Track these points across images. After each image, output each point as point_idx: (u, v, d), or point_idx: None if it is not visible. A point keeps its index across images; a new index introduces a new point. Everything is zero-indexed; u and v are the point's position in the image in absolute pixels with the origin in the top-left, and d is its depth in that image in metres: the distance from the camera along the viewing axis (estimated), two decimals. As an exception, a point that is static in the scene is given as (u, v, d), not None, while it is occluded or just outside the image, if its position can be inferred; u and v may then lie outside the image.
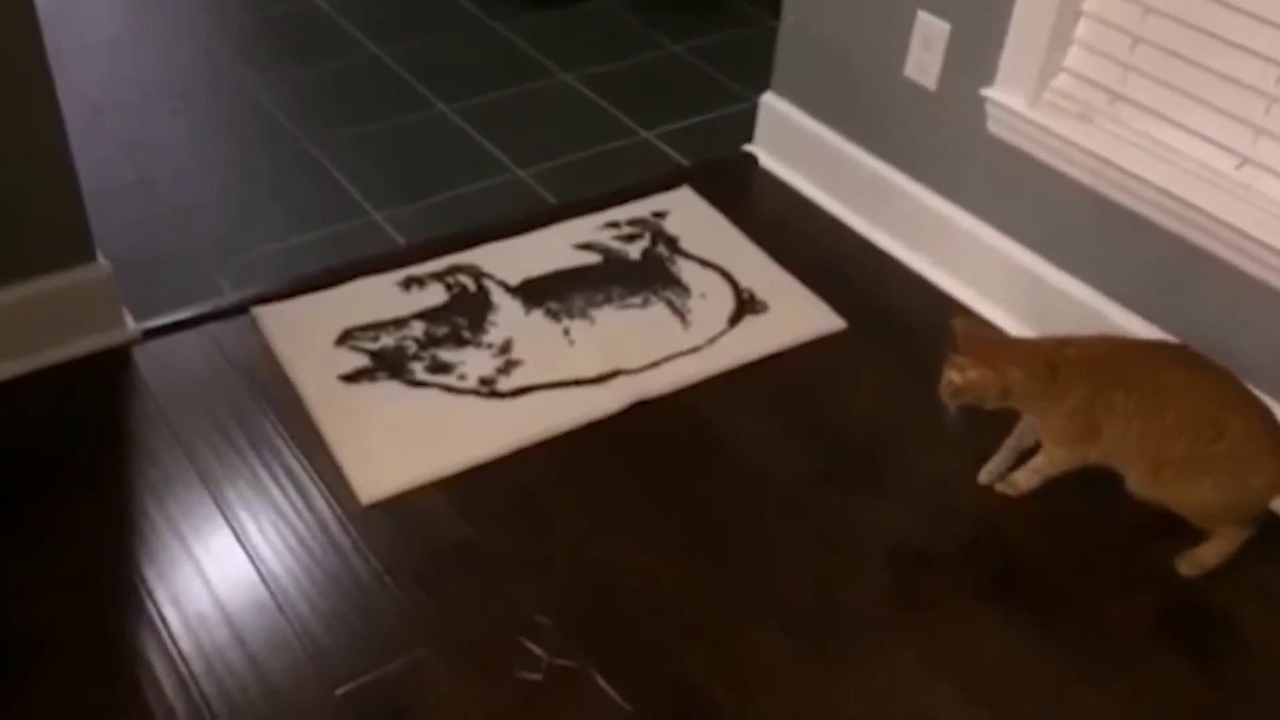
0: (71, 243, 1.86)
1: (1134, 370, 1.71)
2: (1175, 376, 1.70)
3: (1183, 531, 1.75)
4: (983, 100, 2.02)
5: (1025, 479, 1.81)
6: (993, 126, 2.03)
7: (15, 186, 1.76)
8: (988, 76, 2.01)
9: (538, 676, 1.52)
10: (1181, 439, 1.65)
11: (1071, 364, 1.70)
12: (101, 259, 1.91)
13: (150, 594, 1.58)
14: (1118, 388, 1.68)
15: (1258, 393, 1.75)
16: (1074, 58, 1.92)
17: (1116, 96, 1.88)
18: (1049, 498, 1.81)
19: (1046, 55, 1.91)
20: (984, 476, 1.84)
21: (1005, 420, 1.81)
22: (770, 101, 2.47)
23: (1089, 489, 1.82)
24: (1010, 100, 1.97)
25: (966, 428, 1.91)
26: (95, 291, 1.90)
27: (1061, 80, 1.94)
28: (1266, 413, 1.69)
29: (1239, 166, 1.77)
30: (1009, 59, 1.96)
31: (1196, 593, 1.69)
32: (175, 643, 1.52)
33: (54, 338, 1.88)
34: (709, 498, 1.79)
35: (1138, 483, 1.71)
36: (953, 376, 1.71)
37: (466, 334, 2.02)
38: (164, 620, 1.55)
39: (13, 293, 1.83)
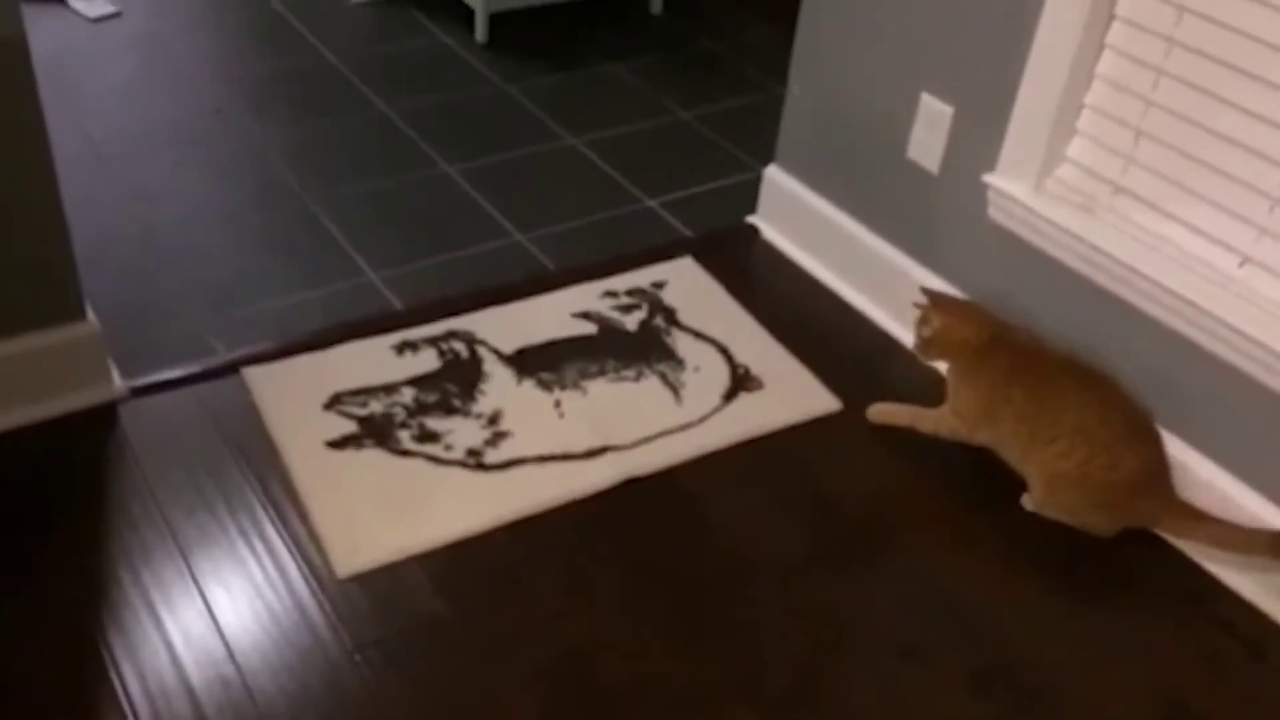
0: (60, 300, 1.85)
1: (1044, 378, 1.85)
2: (1083, 398, 1.82)
3: (1184, 636, 1.72)
4: (984, 186, 2.01)
5: (899, 413, 1.99)
6: (994, 213, 2.02)
7: (4, 243, 1.76)
8: (990, 163, 1.99)
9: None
10: (1072, 458, 1.79)
11: (1002, 345, 1.88)
12: (91, 316, 1.90)
13: (115, 662, 1.55)
14: (1020, 387, 1.84)
15: (1240, 484, 1.78)
16: (1077, 148, 1.91)
17: (1119, 189, 1.87)
18: (1045, 590, 1.78)
19: (1049, 145, 1.90)
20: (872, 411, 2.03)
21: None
22: (774, 174, 2.46)
23: (1089, 586, 1.79)
24: (1012, 188, 1.96)
25: (966, 520, 1.89)
26: (83, 350, 1.89)
27: (1064, 170, 1.93)
28: (1159, 454, 1.83)
29: (1240, 265, 1.74)
30: (1011, 146, 1.95)
31: (1193, 704, 1.64)
32: (136, 715, 1.49)
33: (39, 394, 1.87)
34: (695, 578, 1.76)
35: (1033, 498, 1.87)
36: (922, 331, 1.93)
37: (456, 402, 2.00)
38: (126, 691, 1.52)
39: (-1, 348, 1.82)
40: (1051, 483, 1.84)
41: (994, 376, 1.87)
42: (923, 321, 1.93)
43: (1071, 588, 1.80)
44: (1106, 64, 1.82)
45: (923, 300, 1.95)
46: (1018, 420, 1.84)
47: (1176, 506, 1.82)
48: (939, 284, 2.16)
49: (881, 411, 2.02)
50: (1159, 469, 1.84)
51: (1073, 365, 1.89)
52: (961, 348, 1.90)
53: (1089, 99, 1.85)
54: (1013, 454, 1.89)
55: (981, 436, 1.91)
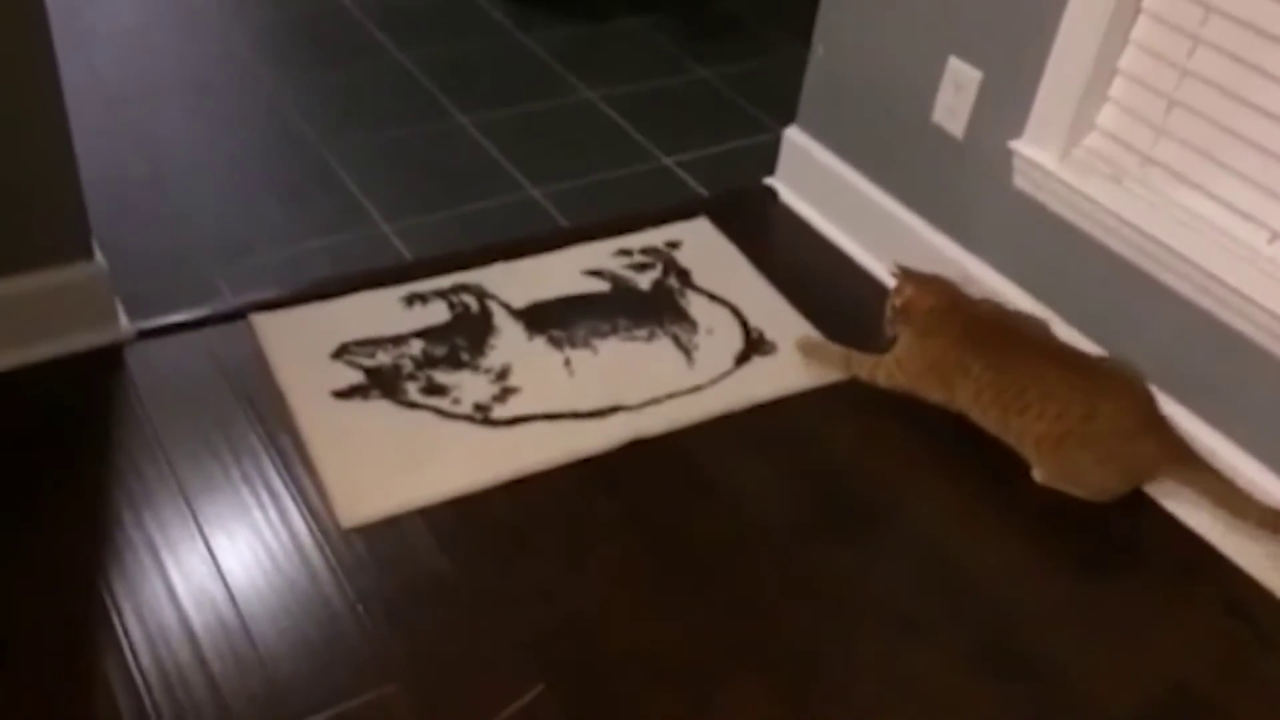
0: (69, 239, 1.82)
1: (1002, 347, 1.87)
2: (1035, 358, 1.85)
3: (1189, 614, 1.70)
4: (1010, 153, 1.96)
5: (831, 353, 2.03)
6: (1019, 180, 1.98)
7: (14, 180, 1.73)
8: (1017, 129, 1.95)
9: (507, 717, 1.47)
10: (1045, 417, 1.80)
11: (958, 313, 1.91)
12: (99, 256, 1.88)
13: (116, 605, 1.54)
14: (978, 359, 1.86)
15: (1263, 468, 1.75)
16: (1107, 116, 1.86)
17: (1148, 160, 1.83)
18: (1050, 566, 1.76)
19: (1079, 112, 1.85)
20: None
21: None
22: (794, 136, 2.42)
23: (1094, 562, 1.77)
24: (1038, 155, 1.92)
25: (972, 494, 1.87)
26: (90, 290, 1.87)
27: (1093, 139, 1.88)
28: (1140, 397, 1.82)
29: (1270, 241, 1.71)
30: (1040, 113, 1.91)
31: (1197, 683, 1.62)
32: (136, 657, 1.48)
33: (45, 334, 1.85)
34: (699, 542, 1.74)
35: (1038, 469, 1.85)
36: (893, 301, 1.95)
37: (465, 356, 1.98)
38: (127, 633, 1.51)
39: (4, 286, 1.79)
40: (1039, 448, 1.83)
41: (946, 342, 1.89)
42: (895, 293, 1.95)
43: (1077, 564, 1.78)
44: (1141, 29, 1.77)
45: (896, 273, 1.97)
46: (980, 389, 1.85)
47: (1177, 448, 1.80)
48: (960, 252, 2.13)
49: (810, 345, 2.04)
50: (1145, 410, 1.82)
51: (1030, 330, 1.93)
52: (923, 315, 1.92)
53: (1122, 64, 1.81)
54: (990, 425, 1.88)
55: (933, 395, 1.92)
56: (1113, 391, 1.81)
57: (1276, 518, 1.71)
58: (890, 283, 2.03)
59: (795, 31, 2.94)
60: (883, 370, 1.96)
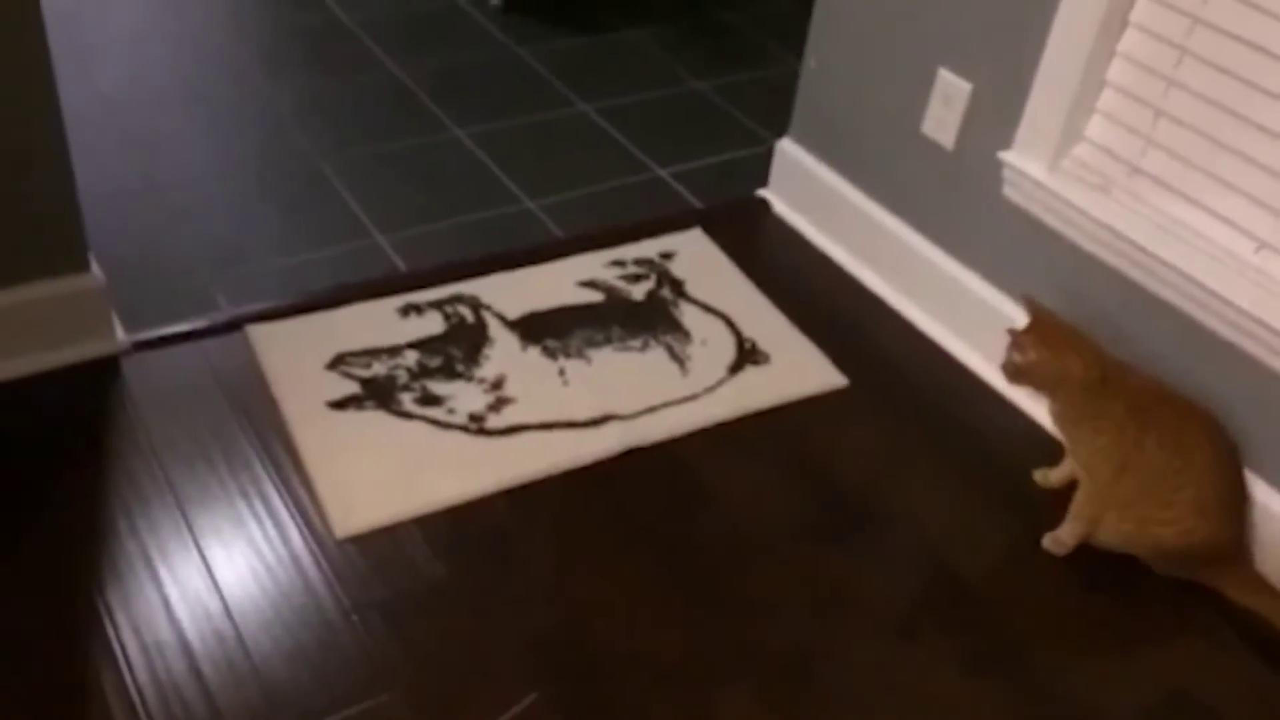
0: (64, 250, 1.83)
1: (1173, 427, 1.67)
2: (1208, 468, 1.68)
3: (1186, 623, 1.71)
4: (1000, 164, 1.98)
5: (1068, 532, 1.75)
6: (1008, 191, 1.99)
7: (10, 192, 1.74)
8: (1006, 140, 1.97)
9: (502, 728, 1.48)
10: (1172, 527, 1.67)
11: (1119, 382, 1.67)
12: (95, 268, 1.89)
13: (110, 616, 1.55)
14: (1152, 434, 1.64)
15: (1259, 480, 1.74)
16: (1095, 127, 1.88)
17: (1136, 170, 1.84)
18: (1048, 573, 1.77)
19: (1067, 123, 1.87)
20: (1046, 542, 1.77)
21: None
22: (786, 147, 2.44)
23: (1093, 570, 1.78)
24: (1028, 166, 1.94)
25: (970, 501, 1.88)
26: (86, 301, 1.87)
27: (1081, 149, 1.90)
28: (1239, 531, 1.72)
29: (1257, 251, 1.72)
30: (1029, 124, 1.93)
31: (1195, 692, 1.63)
32: (131, 669, 1.49)
33: (41, 345, 1.86)
34: (695, 550, 1.75)
35: (1108, 529, 1.71)
36: (1014, 356, 1.69)
37: (460, 366, 1.99)
38: (122, 645, 1.51)
39: (0, 298, 1.80)
40: (1153, 549, 1.70)
41: (1114, 420, 1.66)
42: (1018, 347, 1.70)
43: (1075, 572, 1.78)
44: (1129, 40, 1.79)
45: (1022, 314, 1.77)
46: (1145, 473, 1.65)
47: (1241, 576, 1.72)
48: (950, 262, 2.14)
49: (1057, 541, 1.77)
50: (1232, 546, 1.72)
51: (1194, 413, 1.71)
52: (1066, 384, 1.68)
53: (1111, 75, 1.82)
54: (1111, 506, 1.69)
55: (1119, 491, 1.68)
56: (1225, 527, 1.69)
57: None
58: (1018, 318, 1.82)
59: (788, 44, 2.97)
60: (1084, 500, 1.73)
